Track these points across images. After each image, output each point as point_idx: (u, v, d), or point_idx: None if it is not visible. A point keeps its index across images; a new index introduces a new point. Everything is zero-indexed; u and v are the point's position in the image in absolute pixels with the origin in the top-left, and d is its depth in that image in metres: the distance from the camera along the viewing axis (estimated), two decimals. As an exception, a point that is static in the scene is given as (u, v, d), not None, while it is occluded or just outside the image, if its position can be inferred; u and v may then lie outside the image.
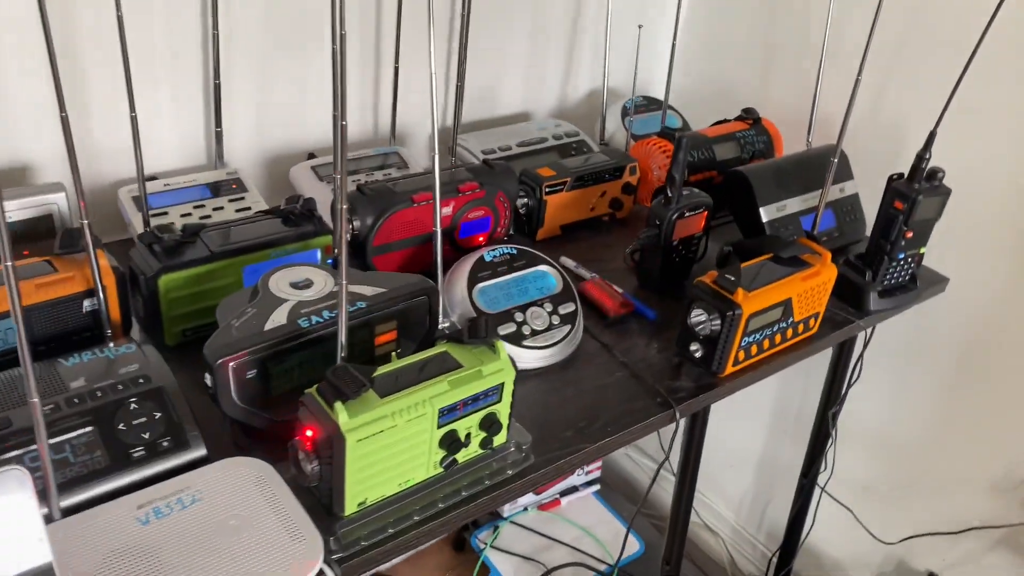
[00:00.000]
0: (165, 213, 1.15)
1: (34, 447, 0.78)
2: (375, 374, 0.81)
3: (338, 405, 0.75)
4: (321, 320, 0.87)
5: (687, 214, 1.18)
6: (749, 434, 1.93)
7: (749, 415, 1.91)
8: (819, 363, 1.49)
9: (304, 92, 1.34)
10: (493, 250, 1.11)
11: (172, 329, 0.99)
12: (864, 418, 1.64)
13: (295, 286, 0.92)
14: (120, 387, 0.84)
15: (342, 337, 0.80)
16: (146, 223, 1.05)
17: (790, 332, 1.13)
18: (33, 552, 0.66)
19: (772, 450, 1.90)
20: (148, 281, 0.95)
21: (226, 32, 1.21)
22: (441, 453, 0.84)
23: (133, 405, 0.83)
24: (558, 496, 2.08)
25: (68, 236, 0.93)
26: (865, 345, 1.43)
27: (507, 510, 2.00)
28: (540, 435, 0.96)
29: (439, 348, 0.86)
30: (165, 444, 0.82)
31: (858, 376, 1.46)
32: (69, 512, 0.76)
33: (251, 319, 0.86)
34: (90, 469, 0.79)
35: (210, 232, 1.01)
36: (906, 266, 1.24)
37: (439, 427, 0.82)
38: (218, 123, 1.23)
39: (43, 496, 0.75)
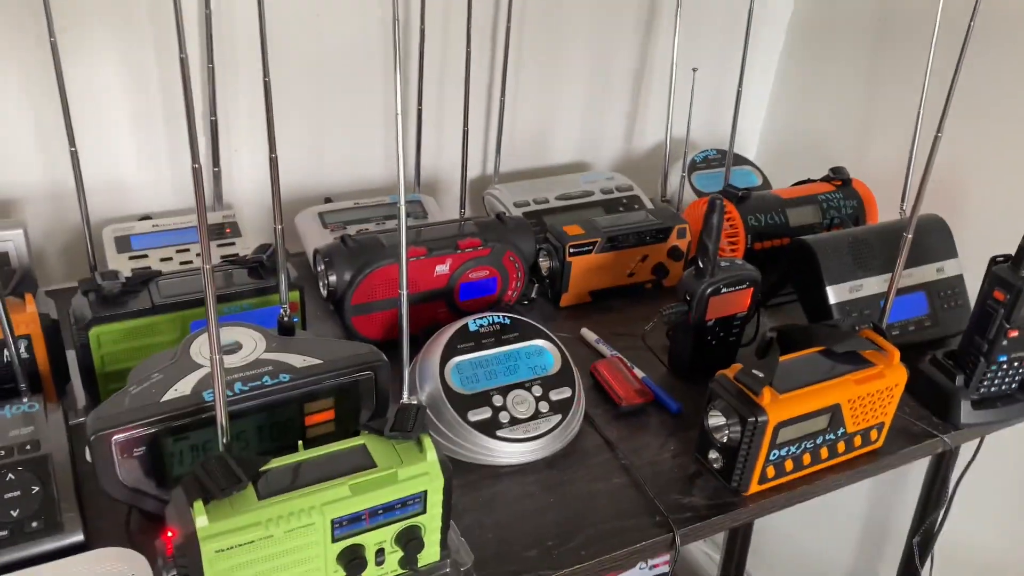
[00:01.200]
0: (146, 255, 1.07)
1: None
2: (267, 467, 0.67)
3: (197, 505, 0.62)
4: (231, 394, 0.75)
5: (724, 290, 0.98)
6: (836, 544, 1.65)
7: (836, 523, 1.63)
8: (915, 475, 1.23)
9: (320, 135, 1.25)
10: (481, 318, 0.95)
11: (107, 387, 0.89)
12: (971, 544, 1.34)
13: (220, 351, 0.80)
14: (3, 453, 0.74)
15: (221, 419, 0.67)
16: (91, 267, 0.96)
17: (842, 446, 0.90)
18: None
19: (861, 568, 1.61)
20: (78, 332, 0.85)
21: (232, 69, 1.13)
22: (341, 573, 0.68)
23: (10, 476, 0.73)
24: (615, 586, 1.86)
25: (1, 278, 0.85)
26: (968, 465, 1.15)
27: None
28: (496, 551, 0.79)
29: (357, 440, 0.71)
30: (35, 525, 0.72)
31: (949, 499, 1.18)
32: (-97, 598, 0.66)
33: (152, 386, 0.75)
34: (-59, 548, 0.69)
35: (163, 281, 0.92)
36: (1011, 372, 0.98)
37: (334, 540, 0.67)
38: (215, 163, 1.15)
39: None
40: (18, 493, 0.72)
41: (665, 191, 1.41)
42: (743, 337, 1.06)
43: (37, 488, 0.73)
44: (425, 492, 0.69)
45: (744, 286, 1.00)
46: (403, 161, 0.72)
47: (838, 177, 1.31)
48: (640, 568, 1.85)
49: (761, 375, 0.84)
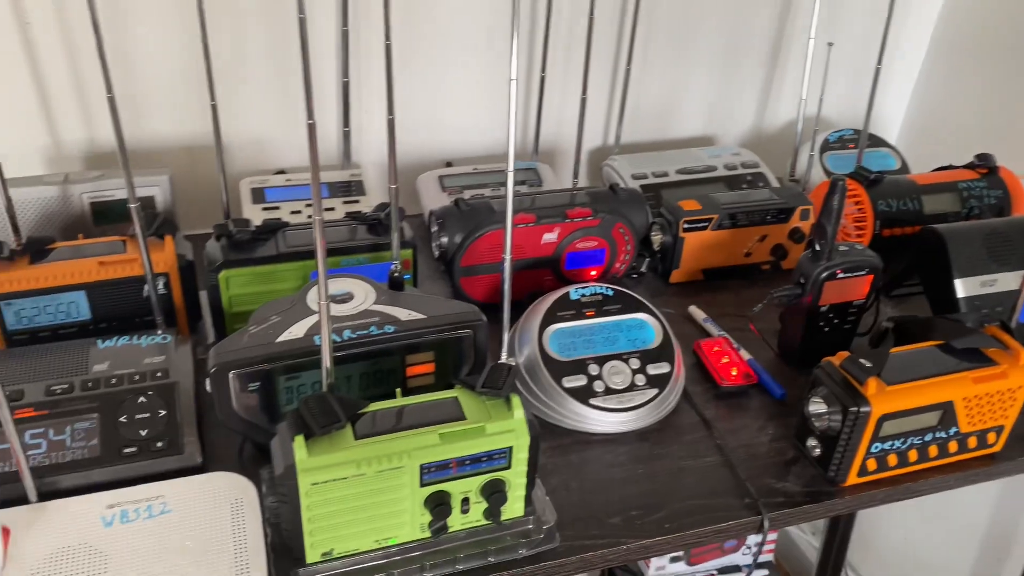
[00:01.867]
0: (277, 207, 1.14)
1: (40, 423, 0.78)
2: (365, 410, 0.71)
3: (298, 440, 0.66)
4: (339, 339, 0.79)
5: (841, 275, 0.95)
6: (951, 550, 1.57)
7: (953, 528, 1.55)
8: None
9: (441, 98, 1.28)
10: (583, 287, 0.96)
11: (234, 326, 0.96)
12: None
13: (332, 299, 0.85)
14: (137, 377, 0.82)
15: (326, 361, 0.71)
16: (225, 215, 1.04)
17: (953, 446, 0.86)
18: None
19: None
20: (210, 274, 0.92)
21: (366, 32, 1.17)
22: (428, 516, 0.72)
23: (141, 399, 0.81)
24: (715, 572, 1.84)
25: (146, 220, 0.93)
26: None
27: (653, 574, 1.81)
28: (580, 514, 0.80)
29: (451, 392, 0.74)
30: (159, 445, 0.79)
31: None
32: (47, 495, 0.75)
33: (269, 328, 0.80)
34: (81, 457, 0.77)
35: (290, 231, 0.98)
36: None
37: (423, 485, 0.70)
38: (346, 123, 1.20)
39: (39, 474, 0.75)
40: (147, 415, 0.80)
41: (794, 170, 1.36)
42: (860, 326, 1.01)
43: (164, 412, 0.80)
44: (511, 448, 0.71)
45: (863, 272, 0.96)
46: (521, 128, 0.74)
47: (983, 164, 1.22)
48: (743, 553, 1.82)
49: (869, 364, 0.81)
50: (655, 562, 1.77)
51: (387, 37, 0.79)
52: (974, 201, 1.19)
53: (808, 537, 1.93)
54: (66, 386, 0.80)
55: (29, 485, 0.74)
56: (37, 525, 0.72)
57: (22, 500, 0.74)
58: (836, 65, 1.31)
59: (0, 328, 0.88)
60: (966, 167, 1.23)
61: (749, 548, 1.83)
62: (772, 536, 1.90)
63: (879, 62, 1.17)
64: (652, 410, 0.91)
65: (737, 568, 1.85)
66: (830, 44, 1.22)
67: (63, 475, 0.76)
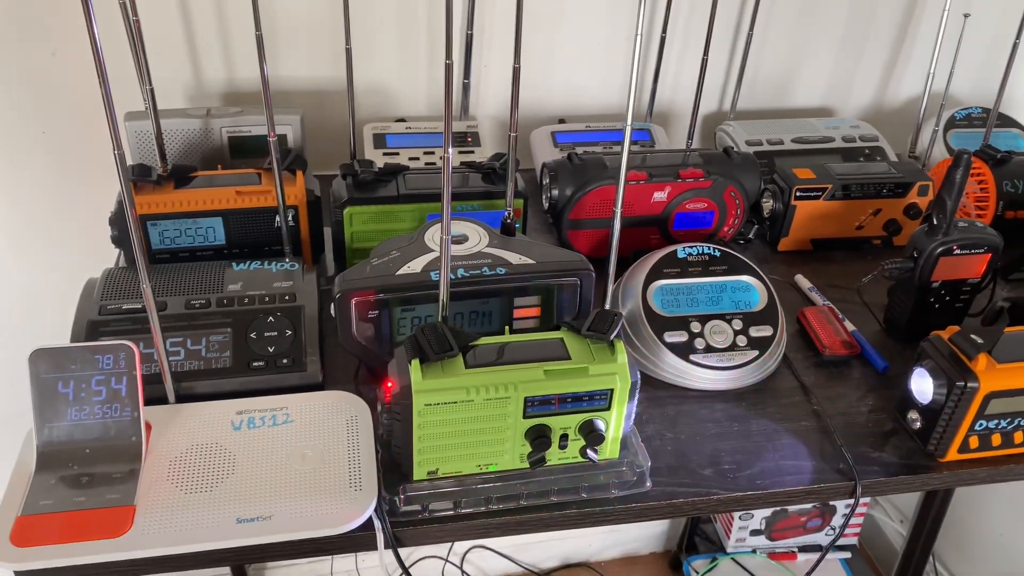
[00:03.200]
0: (397, 153, 1.19)
1: (180, 333, 0.85)
2: (476, 343, 0.75)
3: (415, 363, 0.71)
4: (453, 277, 0.83)
5: (957, 251, 0.93)
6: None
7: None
8: None
9: (558, 56, 1.30)
10: (691, 247, 0.97)
11: (353, 261, 1.01)
12: None
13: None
14: (267, 299, 0.88)
15: (443, 295, 0.75)
16: (351, 157, 1.09)
17: (1063, 432, 0.84)
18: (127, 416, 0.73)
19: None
20: (335, 210, 0.98)
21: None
22: (527, 447, 0.75)
23: (270, 319, 0.87)
24: (795, 550, 1.83)
25: (284, 155, 0.99)
26: None
27: (733, 545, 1.82)
28: (673, 463, 0.83)
29: (556, 333, 0.77)
30: (284, 362, 0.85)
31: None
32: (184, 398, 0.82)
33: (390, 261, 0.85)
34: (215, 367, 0.84)
35: (409, 175, 1.02)
36: None
37: (525, 417, 0.74)
38: (466, 75, 1.24)
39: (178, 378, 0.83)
40: (275, 334, 0.86)
41: (915, 147, 1.32)
42: (973, 307, 0.99)
43: (290, 332, 0.87)
44: (612, 391, 0.74)
45: (980, 251, 0.94)
46: (636, 90, 0.76)
47: (1125, 149, 1.16)
48: (826, 533, 1.81)
49: (980, 340, 0.80)
50: (736, 533, 1.78)
51: (519, -12, 0.81)
52: (1109, 187, 1.14)
53: (895, 524, 1.89)
54: (203, 301, 0.87)
55: (169, 387, 0.81)
56: (175, 423, 0.79)
57: (162, 400, 0.82)
58: (969, 41, 1.26)
59: (146, 245, 0.96)
60: (1103, 152, 1.18)
61: (833, 528, 1.82)
62: (858, 520, 1.88)
63: (1018, 37, 1.12)
64: (751, 371, 0.92)
65: (818, 547, 1.84)
66: (966, 15, 1.17)
67: (198, 381, 0.83)
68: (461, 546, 1.86)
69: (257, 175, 0.99)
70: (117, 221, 0.95)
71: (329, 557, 1.74)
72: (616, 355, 0.74)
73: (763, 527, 1.78)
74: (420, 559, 1.84)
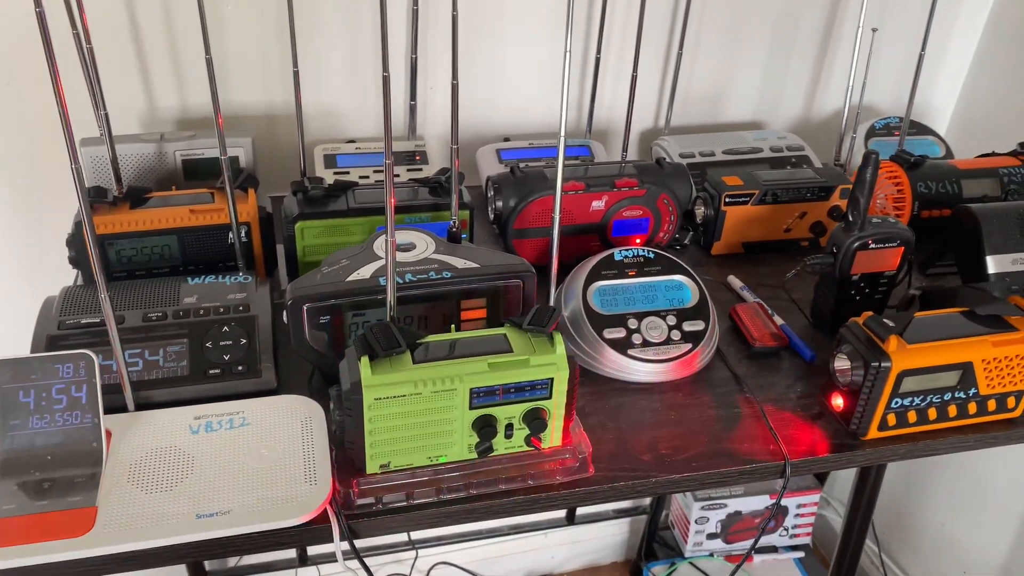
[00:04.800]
0: (347, 172, 1.23)
1: (138, 345, 0.88)
2: (423, 340, 0.79)
3: (364, 360, 0.75)
4: (400, 281, 0.88)
5: (873, 245, 1.00)
6: (994, 539, 1.59)
7: (989, 514, 1.57)
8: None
9: (501, 77, 1.36)
10: (627, 250, 1.03)
11: (305, 274, 1.05)
12: None
13: (397, 247, 0.93)
14: (221, 310, 0.92)
15: (390, 297, 0.80)
16: (302, 175, 1.13)
17: (972, 407, 0.90)
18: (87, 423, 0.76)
19: (1016, 566, 1.55)
20: (286, 225, 1.02)
21: (434, 12, 1.26)
22: (475, 437, 0.80)
23: (225, 328, 0.90)
24: (752, 552, 1.89)
25: (235, 174, 1.03)
26: None
27: (690, 549, 1.86)
28: (614, 450, 0.87)
29: (500, 329, 0.82)
30: (239, 369, 0.89)
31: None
32: (143, 406, 0.85)
33: (340, 269, 0.89)
34: (172, 375, 0.87)
35: (359, 190, 1.07)
36: None
37: (472, 408, 0.78)
38: (412, 96, 1.29)
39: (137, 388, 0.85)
40: (230, 342, 0.90)
41: (839, 155, 1.41)
42: (892, 299, 1.06)
43: (244, 341, 0.90)
44: (552, 380, 0.79)
45: (894, 244, 1.01)
46: (576, 108, 0.82)
47: (1027, 152, 1.25)
48: (780, 534, 1.86)
49: (891, 324, 0.87)
50: (692, 537, 1.83)
51: (454, 8, 0.87)
52: (1014, 187, 1.22)
53: (837, 517, 1.96)
54: (160, 314, 0.90)
55: (128, 396, 0.84)
56: (134, 430, 0.82)
57: (122, 409, 0.84)
58: (888, 54, 1.35)
59: (103, 264, 0.99)
60: (1009, 154, 1.27)
61: (786, 529, 1.88)
62: (809, 519, 1.94)
63: (923, 49, 1.21)
64: (686, 364, 0.97)
65: (774, 548, 1.90)
66: (874, 30, 1.26)
67: (156, 390, 0.86)
68: (424, 562, 1.88)
69: (210, 194, 1.03)
70: (75, 242, 0.98)
71: (293, 569, 1.75)
72: (555, 346, 0.79)
73: (719, 531, 1.84)
74: (384, 577, 1.85)
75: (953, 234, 1.11)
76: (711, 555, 1.88)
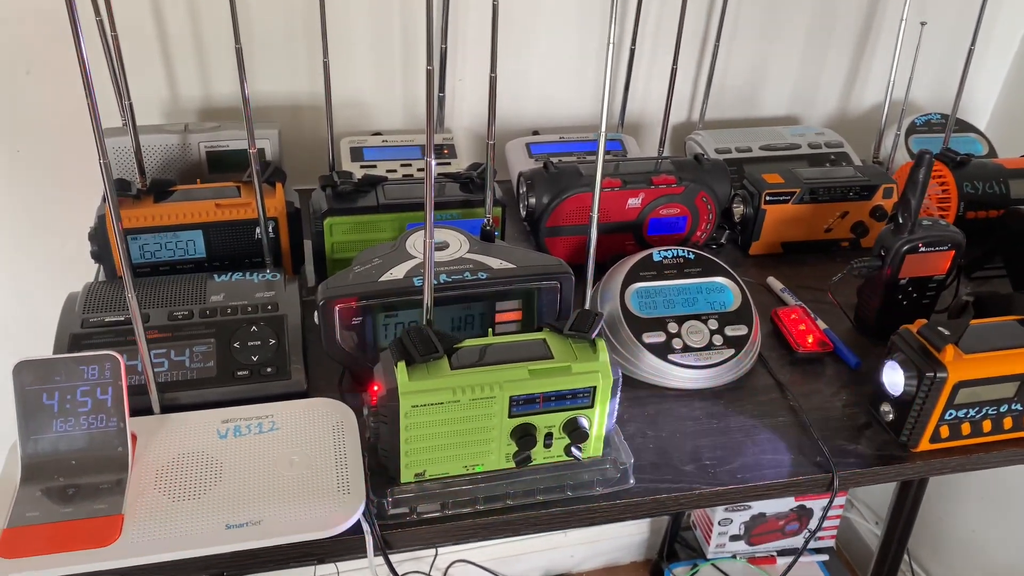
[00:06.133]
0: (374, 166, 1.20)
1: (163, 344, 0.85)
2: (460, 345, 0.76)
3: (401, 365, 0.72)
4: (435, 282, 0.84)
5: (923, 249, 0.96)
6: (1017, 547, 1.55)
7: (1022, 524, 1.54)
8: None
9: (530, 69, 1.32)
10: (666, 250, 1.00)
11: (334, 271, 1.02)
12: None
13: (430, 247, 0.90)
14: (249, 309, 0.89)
15: (427, 300, 0.77)
16: (330, 169, 1.10)
17: (1029, 419, 0.87)
18: (112, 427, 0.73)
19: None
20: (315, 220, 0.99)
21: (463, 2, 1.23)
22: (513, 447, 0.77)
23: (253, 328, 0.87)
24: (775, 554, 1.86)
25: (263, 168, 1.00)
26: None
27: (713, 551, 1.84)
28: (655, 460, 0.84)
29: (539, 334, 0.79)
30: (268, 371, 0.86)
31: None
32: (168, 408, 0.82)
33: (372, 268, 0.86)
34: (199, 377, 0.85)
35: (388, 186, 1.03)
36: None
37: (511, 416, 0.75)
38: (441, 88, 1.26)
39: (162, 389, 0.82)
40: (258, 343, 0.87)
41: (878, 152, 1.36)
42: (939, 303, 1.03)
43: (273, 341, 0.87)
44: (594, 388, 0.76)
45: (945, 247, 0.97)
46: (607, 101, 0.78)
47: (1077, 151, 1.21)
48: (803, 536, 1.83)
49: (947, 332, 0.83)
50: (715, 539, 1.80)
51: (495, -2, 0.83)
52: (1064, 187, 1.18)
53: (870, 525, 1.92)
54: (186, 312, 0.87)
55: (154, 398, 0.81)
56: (160, 433, 0.79)
57: (147, 411, 0.82)
58: (926, 47, 1.30)
59: (127, 260, 0.96)
60: (1058, 154, 1.23)
61: (810, 531, 1.85)
62: (834, 522, 1.90)
63: (972, 44, 1.17)
64: (728, 369, 0.94)
65: (796, 551, 1.87)
66: (923, 23, 1.22)
67: (182, 391, 0.84)
68: (443, 560, 1.86)
69: (236, 188, 1.00)
70: (97, 236, 0.95)
71: (312, 567, 1.73)
72: (598, 353, 0.76)
73: (742, 532, 1.81)
74: (402, 575, 1.83)
75: (1003, 237, 1.07)
76: (734, 557, 1.85)
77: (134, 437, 0.77)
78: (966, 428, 0.85)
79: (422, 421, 0.73)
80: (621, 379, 0.77)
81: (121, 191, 0.96)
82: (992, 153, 1.37)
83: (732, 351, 0.94)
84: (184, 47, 1.18)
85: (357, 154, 1.21)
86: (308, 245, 1.04)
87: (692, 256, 1.00)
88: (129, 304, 0.76)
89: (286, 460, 0.77)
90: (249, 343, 0.86)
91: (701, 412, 0.91)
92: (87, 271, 1.03)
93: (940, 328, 0.83)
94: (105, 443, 0.75)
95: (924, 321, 0.85)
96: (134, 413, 0.78)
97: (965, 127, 1.40)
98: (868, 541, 1.95)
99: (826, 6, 1.39)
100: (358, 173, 1.18)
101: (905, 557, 1.84)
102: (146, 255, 0.97)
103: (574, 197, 1.05)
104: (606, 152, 1.27)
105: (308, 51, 1.21)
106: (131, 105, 0.97)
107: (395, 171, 1.20)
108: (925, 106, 1.49)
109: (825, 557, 1.87)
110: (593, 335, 0.76)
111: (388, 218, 1.01)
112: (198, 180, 1.04)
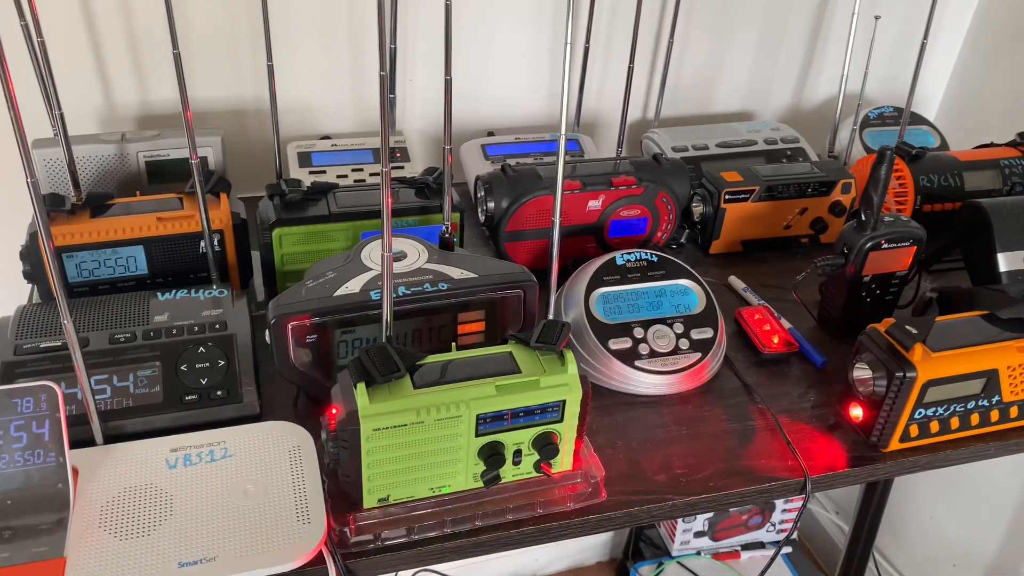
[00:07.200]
0: (324, 171, 1.16)
1: (105, 370, 0.80)
2: (423, 362, 0.73)
3: (360, 387, 0.68)
4: (394, 295, 0.81)
5: (885, 245, 0.96)
6: (979, 535, 1.57)
7: (983, 512, 1.56)
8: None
9: (483, 69, 1.29)
10: (629, 253, 0.97)
11: (285, 285, 0.98)
12: None
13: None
14: (196, 328, 0.84)
15: (386, 314, 0.73)
16: (277, 176, 1.05)
17: (995, 415, 0.87)
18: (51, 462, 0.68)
19: (1006, 562, 1.53)
20: (263, 232, 0.94)
21: (413, 3, 1.19)
22: (481, 466, 0.74)
23: (201, 349, 0.83)
24: (738, 548, 1.86)
25: (206, 177, 0.95)
26: None
27: (677, 548, 1.83)
28: (626, 471, 0.82)
29: (505, 347, 0.76)
30: (219, 394, 0.81)
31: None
32: (112, 439, 0.77)
33: (326, 283, 0.82)
34: (144, 403, 0.80)
35: (340, 193, 0.99)
36: None
37: (478, 435, 0.72)
38: (391, 89, 1.22)
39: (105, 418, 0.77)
40: (207, 364, 0.82)
41: (833, 146, 1.36)
42: (901, 299, 1.02)
43: (223, 362, 0.83)
44: (564, 402, 0.73)
45: (907, 244, 0.97)
46: (567, 93, 0.75)
47: (1026, 142, 1.22)
48: (767, 529, 1.84)
49: (915, 331, 0.82)
50: (680, 536, 1.80)
51: (447, -3, 0.80)
52: (1016, 179, 1.19)
53: (831, 516, 1.94)
54: (129, 335, 0.82)
55: (96, 428, 0.76)
56: (104, 466, 0.74)
57: (89, 442, 0.76)
58: (877, 42, 1.30)
59: (63, 280, 0.91)
60: (1008, 145, 1.24)
61: (773, 525, 1.85)
62: (794, 514, 1.91)
63: (925, 37, 1.17)
64: (696, 374, 0.92)
65: (760, 544, 1.87)
66: (877, 17, 1.21)
67: (127, 419, 0.78)
68: (405, 572, 1.82)
69: (178, 200, 0.95)
70: (29, 255, 0.89)
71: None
72: (566, 365, 0.73)
73: (706, 528, 1.80)
74: (364, 587, 1.79)
75: (961, 230, 1.07)
76: (699, 553, 1.85)
77: (75, 471, 0.72)
78: (935, 426, 0.85)
79: (385, 444, 0.69)
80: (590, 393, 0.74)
81: (54, 206, 0.90)
82: (944, 146, 1.38)
83: (699, 354, 0.92)
84: (119, 51, 1.12)
85: (305, 159, 1.17)
86: (256, 257, 0.99)
87: (655, 259, 0.98)
88: (65, 329, 0.70)
89: (241, 489, 0.73)
90: (197, 365, 0.82)
91: (670, 419, 0.89)
92: (20, 292, 0.97)
93: (908, 327, 0.83)
94: (43, 480, 0.70)
95: (892, 320, 0.84)
96: (75, 445, 0.73)
97: (917, 120, 1.40)
98: (829, 531, 1.96)
99: (778, 1, 1.38)
100: (307, 180, 1.14)
101: (866, 545, 1.86)
102: (84, 273, 0.92)
103: (534, 200, 1.02)
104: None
105: (251, 53, 1.16)
106: (62, 115, 0.91)
107: (346, 176, 1.15)
108: (877, 99, 1.50)
109: (788, 549, 1.88)
110: (560, 346, 0.74)
111: (341, 227, 0.97)
112: (137, 192, 0.98)
